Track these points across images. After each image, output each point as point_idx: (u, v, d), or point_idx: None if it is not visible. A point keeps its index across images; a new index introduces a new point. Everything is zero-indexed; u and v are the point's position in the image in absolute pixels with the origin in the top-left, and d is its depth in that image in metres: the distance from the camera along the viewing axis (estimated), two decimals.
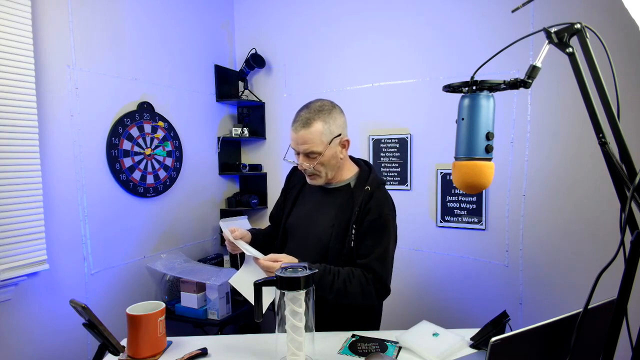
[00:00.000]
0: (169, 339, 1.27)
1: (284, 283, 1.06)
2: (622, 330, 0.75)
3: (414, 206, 2.45)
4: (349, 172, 1.44)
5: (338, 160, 1.38)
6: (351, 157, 1.50)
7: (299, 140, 1.31)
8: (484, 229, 2.25)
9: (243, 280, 1.40)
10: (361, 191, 1.35)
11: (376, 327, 1.50)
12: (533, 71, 0.86)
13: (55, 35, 1.79)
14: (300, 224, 1.44)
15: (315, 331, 1.14)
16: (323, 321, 1.29)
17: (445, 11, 2.29)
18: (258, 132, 2.90)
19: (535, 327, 0.76)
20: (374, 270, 1.29)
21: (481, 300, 2.28)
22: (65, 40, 1.83)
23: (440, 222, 2.37)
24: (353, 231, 1.32)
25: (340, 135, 1.36)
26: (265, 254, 1.29)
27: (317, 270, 1.13)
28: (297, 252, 1.35)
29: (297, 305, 1.06)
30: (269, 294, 1.18)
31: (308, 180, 1.41)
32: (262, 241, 1.55)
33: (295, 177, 1.55)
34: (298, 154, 1.36)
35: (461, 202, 2.30)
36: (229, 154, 2.90)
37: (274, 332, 1.14)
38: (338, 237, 1.34)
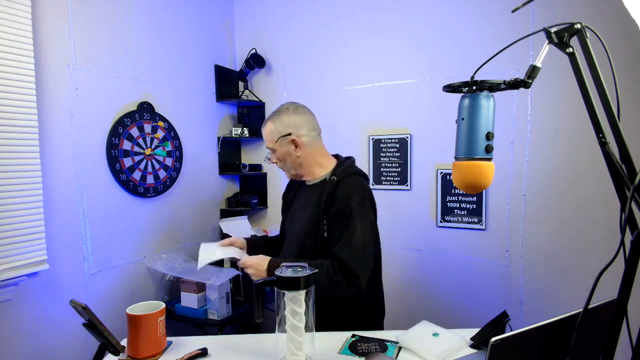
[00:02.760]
0: (169, 339, 1.27)
1: (284, 283, 1.06)
2: (622, 330, 0.75)
3: (414, 206, 2.45)
4: (326, 168, 1.48)
5: (295, 158, 1.46)
6: (337, 156, 1.56)
7: (263, 136, 1.50)
8: (484, 229, 2.25)
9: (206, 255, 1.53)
10: (332, 184, 1.40)
11: (380, 327, 1.50)
12: (533, 71, 0.86)
13: (55, 35, 1.79)
14: (289, 224, 1.56)
15: (316, 331, 1.14)
16: (324, 321, 1.28)
17: (445, 11, 2.29)
18: (258, 132, 2.90)
19: (535, 327, 0.76)
20: (340, 259, 1.29)
21: (481, 300, 2.28)
22: (65, 40, 1.83)
23: (440, 222, 2.37)
24: (325, 222, 1.37)
25: (289, 134, 1.44)
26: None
27: (317, 270, 1.13)
28: (286, 251, 1.50)
29: (297, 305, 1.06)
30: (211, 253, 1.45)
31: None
32: (263, 247, 1.64)
33: (292, 182, 1.63)
34: None
35: (461, 202, 2.30)
36: (229, 154, 2.90)
37: (274, 332, 1.14)
38: (312, 230, 1.40)
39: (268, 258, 1.36)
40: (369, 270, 1.34)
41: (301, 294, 1.06)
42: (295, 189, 1.58)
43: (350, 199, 1.34)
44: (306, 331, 1.09)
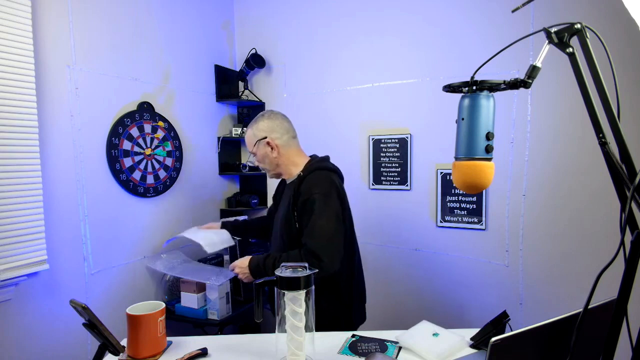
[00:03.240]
0: (169, 339, 1.27)
1: (284, 283, 1.06)
2: (622, 330, 0.75)
3: (414, 206, 2.45)
4: (300, 167, 1.61)
5: (272, 159, 1.62)
6: (314, 156, 1.69)
7: None
8: (484, 229, 2.25)
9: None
10: (296, 178, 1.56)
11: (352, 327, 1.57)
12: (533, 71, 0.86)
13: (55, 35, 1.79)
14: (275, 222, 1.69)
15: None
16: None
17: (445, 11, 2.29)
18: None
19: (535, 327, 0.76)
20: (305, 245, 1.44)
21: (481, 300, 2.28)
22: (65, 40, 1.83)
23: (440, 222, 2.37)
24: (294, 215, 1.50)
25: (265, 137, 1.61)
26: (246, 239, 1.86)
27: (317, 270, 1.13)
28: (272, 248, 1.67)
29: (297, 305, 1.06)
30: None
31: None
32: (244, 229, 1.99)
33: (280, 183, 1.78)
34: None
35: (461, 202, 2.30)
36: (229, 154, 2.90)
37: (274, 332, 1.14)
38: (286, 224, 1.54)
39: (249, 257, 1.55)
40: (336, 254, 1.43)
41: (301, 294, 1.07)
42: (282, 189, 1.73)
43: (312, 190, 1.47)
44: (306, 331, 1.09)
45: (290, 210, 1.52)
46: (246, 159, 3.02)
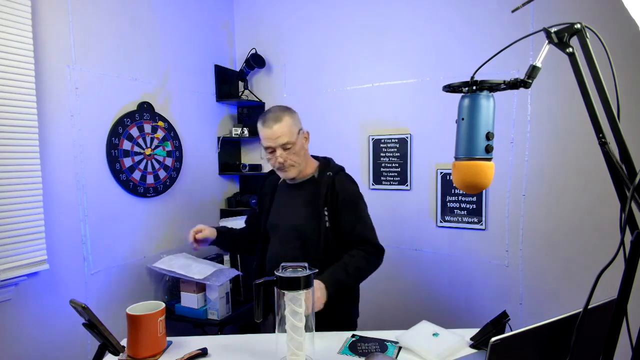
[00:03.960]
0: (169, 339, 1.27)
1: (284, 283, 1.06)
2: (622, 330, 0.75)
3: (414, 206, 2.45)
4: (312, 167, 1.60)
5: (305, 152, 1.56)
6: (312, 155, 1.67)
7: (275, 134, 1.48)
8: (484, 229, 2.25)
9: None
10: (325, 178, 1.54)
11: (353, 326, 1.57)
12: (533, 71, 0.86)
13: (55, 35, 1.79)
14: (278, 221, 1.60)
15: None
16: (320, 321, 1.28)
17: (445, 11, 2.29)
18: (258, 132, 2.90)
19: (535, 327, 0.76)
20: (365, 238, 1.50)
21: (481, 300, 2.28)
22: (65, 40, 1.83)
23: (440, 222, 2.37)
24: (326, 213, 1.48)
25: (301, 129, 1.55)
26: (236, 251, 1.78)
27: (316, 270, 1.13)
28: (279, 245, 1.56)
29: (297, 305, 1.06)
30: None
31: (284, 174, 1.55)
32: (230, 239, 1.77)
33: (266, 184, 1.70)
34: (273, 151, 1.50)
35: (461, 202, 2.30)
36: (229, 154, 2.90)
37: (274, 332, 1.14)
38: (311, 221, 1.50)
39: (321, 285, 1.32)
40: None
41: (301, 294, 1.06)
42: (272, 191, 1.66)
43: (348, 188, 1.55)
44: (306, 331, 1.09)
45: (320, 209, 1.49)
46: (246, 159, 3.01)
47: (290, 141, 1.48)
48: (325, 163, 1.61)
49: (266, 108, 2.88)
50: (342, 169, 1.63)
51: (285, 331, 1.09)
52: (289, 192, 1.61)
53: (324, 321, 1.33)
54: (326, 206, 1.49)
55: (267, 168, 2.91)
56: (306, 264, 1.12)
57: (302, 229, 1.52)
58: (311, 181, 1.57)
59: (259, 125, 1.53)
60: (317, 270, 1.14)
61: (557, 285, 2.06)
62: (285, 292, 1.06)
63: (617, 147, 0.78)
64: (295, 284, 1.06)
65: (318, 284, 1.30)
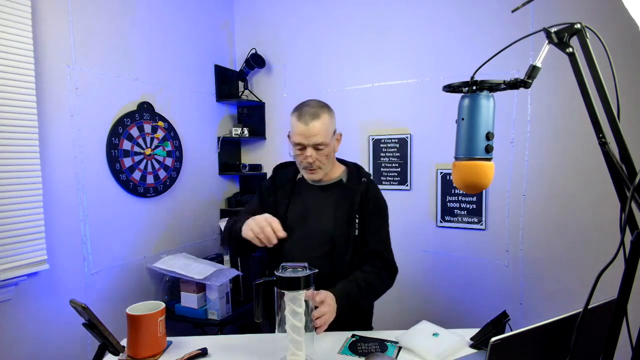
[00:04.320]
0: (169, 339, 1.27)
1: (284, 283, 1.06)
2: (622, 330, 0.75)
3: (414, 206, 2.45)
4: (339, 169, 1.52)
5: (334, 154, 1.48)
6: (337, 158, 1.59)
7: (310, 132, 1.34)
8: (484, 229, 2.25)
9: None
10: (357, 184, 1.46)
11: (369, 327, 1.53)
12: (533, 71, 0.86)
13: (55, 35, 1.79)
14: (300, 221, 1.46)
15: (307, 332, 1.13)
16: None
17: (445, 11, 2.29)
18: (258, 132, 2.90)
19: (535, 327, 0.76)
20: (381, 253, 1.43)
21: (481, 300, 2.28)
22: (65, 40, 1.83)
23: (440, 222, 2.37)
24: (357, 220, 1.41)
25: (336, 129, 1.45)
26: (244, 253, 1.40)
27: (317, 270, 1.12)
28: (302, 248, 1.42)
29: (297, 305, 1.06)
30: None
31: (308, 175, 1.43)
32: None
33: (279, 177, 1.54)
34: (303, 148, 1.37)
35: (461, 202, 2.30)
36: (229, 154, 2.90)
37: (274, 332, 1.13)
38: (342, 227, 1.41)
39: (330, 301, 1.23)
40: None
41: (301, 294, 1.06)
42: (290, 185, 1.50)
43: (381, 199, 1.49)
44: (306, 331, 1.09)
45: (352, 216, 1.41)
46: (246, 159, 3.01)
47: (324, 142, 1.36)
48: (357, 169, 1.52)
49: (266, 108, 2.89)
50: (371, 175, 1.57)
51: (285, 331, 1.09)
52: (314, 193, 1.48)
53: (340, 322, 1.33)
54: (358, 214, 1.42)
55: (267, 168, 2.91)
56: (306, 264, 1.12)
57: (332, 234, 1.42)
58: (339, 185, 1.48)
59: (294, 118, 1.38)
60: (317, 270, 1.12)
61: (557, 285, 2.06)
62: (286, 292, 1.06)
63: (617, 147, 0.78)
64: (295, 284, 1.06)
65: (331, 299, 1.22)
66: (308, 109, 1.36)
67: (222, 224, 2.63)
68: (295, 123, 1.37)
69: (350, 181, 1.48)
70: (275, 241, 1.22)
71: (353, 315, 1.40)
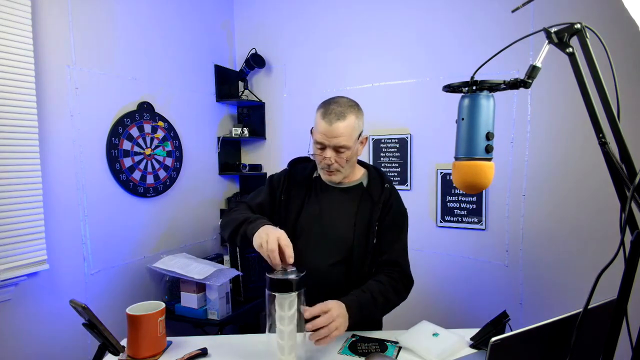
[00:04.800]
0: (169, 339, 1.27)
1: (273, 285, 1.05)
2: (622, 330, 0.75)
3: (414, 206, 2.44)
4: (359, 172, 1.43)
5: (356, 158, 1.37)
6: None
7: (332, 132, 1.24)
8: (484, 229, 2.25)
9: None
10: (379, 189, 1.37)
11: (379, 327, 1.49)
12: (533, 71, 0.86)
13: (55, 35, 1.79)
14: (315, 224, 1.37)
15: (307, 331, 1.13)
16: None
17: (445, 11, 2.29)
18: (258, 132, 2.90)
19: (535, 327, 0.76)
20: (399, 264, 1.36)
21: (481, 300, 2.28)
22: (65, 40, 1.83)
23: (440, 222, 2.37)
24: (376, 228, 1.34)
25: (362, 132, 1.34)
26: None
27: (305, 272, 1.09)
28: (313, 252, 1.33)
29: (283, 308, 1.06)
30: None
31: (326, 176, 1.35)
32: None
33: (297, 174, 1.44)
34: (323, 148, 1.28)
35: (461, 202, 2.30)
36: (229, 154, 2.90)
37: (274, 332, 1.13)
38: (361, 235, 1.34)
39: (341, 308, 1.15)
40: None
41: (288, 297, 1.06)
42: (306, 184, 1.41)
43: (401, 207, 1.42)
44: (298, 331, 1.09)
45: (372, 222, 1.34)
46: (246, 159, 3.01)
47: (346, 145, 1.26)
48: (378, 173, 1.44)
49: (266, 108, 2.89)
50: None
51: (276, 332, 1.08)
52: (333, 194, 1.39)
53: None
54: (378, 221, 1.34)
55: (266, 168, 2.91)
56: (294, 268, 1.10)
57: (349, 241, 1.33)
58: (359, 188, 1.39)
59: (318, 115, 1.28)
60: (305, 272, 1.08)
61: (557, 285, 2.06)
62: (276, 294, 1.06)
63: (617, 147, 0.78)
64: (283, 286, 1.05)
65: (342, 309, 1.14)
66: (335, 107, 1.26)
67: None
68: (319, 120, 1.27)
69: (372, 186, 1.38)
70: (279, 268, 1.10)
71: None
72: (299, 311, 1.07)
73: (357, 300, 1.20)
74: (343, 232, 1.34)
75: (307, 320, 1.08)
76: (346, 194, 1.39)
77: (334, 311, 1.11)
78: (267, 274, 1.06)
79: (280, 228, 1.21)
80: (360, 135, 1.32)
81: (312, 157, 1.38)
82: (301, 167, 1.45)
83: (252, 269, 2.47)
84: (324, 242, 1.35)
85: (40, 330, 1.75)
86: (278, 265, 1.09)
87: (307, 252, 1.31)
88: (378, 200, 1.35)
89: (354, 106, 1.30)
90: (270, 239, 1.09)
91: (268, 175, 2.91)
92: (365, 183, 1.41)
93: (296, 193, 1.41)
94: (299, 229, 1.38)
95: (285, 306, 1.05)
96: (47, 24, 1.75)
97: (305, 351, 1.15)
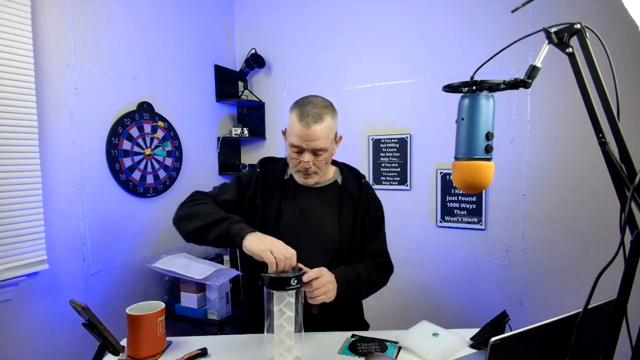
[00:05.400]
0: (168, 339, 1.27)
1: (272, 282, 1.05)
2: (622, 330, 0.75)
3: (414, 206, 2.45)
4: (331, 170, 1.44)
5: (331, 158, 1.36)
6: None
7: (310, 136, 1.22)
8: (484, 229, 2.25)
9: None
10: (355, 185, 1.41)
11: (366, 327, 1.50)
12: (533, 71, 0.86)
13: (55, 35, 1.79)
14: (300, 225, 1.35)
15: (307, 332, 1.13)
16: (315, 322, 1.23)
17: (445, 11, 2.29)
18: (258, 132, 2.90)
19: (535, 327, 0.76)
20: (382, 252, 1.42)
21: (481, 300, 2.28)
22: (65, 40, 1.83)
23: (440, 222, 2.37)
24: (359, 222, 1.38)
25: (337, 132, 1.34)
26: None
27: (303, 272, 1.11)
28: (302, 253, 1.26)
29: (285, 306, 1.06)
30: None
31: (302, 179, 1.33)
32: None
33: (268, 176, 1.40)
34: (300, 151, 1.26)
35: (461, 202, 2.30)
36: (228, 154, 2.90)
37: (273, 332, 1.13)
38: (347, 231, 1.36)
39: (328, 273, 1.18)
40: None
41: (291, 294, 1.06)
42: (280, 184, 1.39)
43: (379, 201, 1.47)
44: (297, 331, 1.09)
45: (356, 218, 1.36)
46: (246, 159, 3.01)
47: (324, 147, 1.25)
48: (349, 169, 1.46)
49: (266, 108, 2.89)
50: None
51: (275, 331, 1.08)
52: (310, 195, 1.37)
53: (335, 321, 1.33)
54: (361, 217, 1.37)
55: None
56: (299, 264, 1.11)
57: (335, 241, 1.35)
58: (335, 187, 1.40)
59: (294, 117, 1.25)
60: (303, 272, 1.10)
61: (557, 285, 2.06)
62: (274, 292, 1.06)
63: (617, 147, 0.78)
64: (282, 283, 1.05)
65: (332, 277, 1.18)
66: (311, 108, 1.23)
67: None
68: (295, 123, 1.24)
69: (348, 183, 1.40)
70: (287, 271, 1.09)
71: (347, 313, 1.39)
72: (296, 309, 1.08)
73: (343, 275, 1.24)
74: (329, 230, 1.35)
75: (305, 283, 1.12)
76: (324, 193, 1.39)
77: (326, 277, 1.17)
78: (263, 274, 1.07)
79: (259, 231, 1.19)
80: (335, 134, 1.32)
81: (288, 161, 1.35)
82: (270, 168, 1.42)
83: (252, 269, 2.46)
84: (313, 242, 1.33)
85: (40, 330, 1.75)
86: (288, 269, 1.07)
87: (297, 251, 1.27)
88: (359, 196, 1.39)
89: (329, 106, 1.29)
90: (284, 247, 1.09)
91: None
92: (339, 180, 1.42)
93: (270, 195, 1.37)
94: (282, 231, 1.31)
95: (285, 303, 1.06)
96: (47, 24, 1.75)
97: (303, 349, 1.15)
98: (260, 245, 1.09)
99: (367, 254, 1.40)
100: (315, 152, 1.26)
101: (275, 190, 1.38)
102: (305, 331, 1.13)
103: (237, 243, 1.12)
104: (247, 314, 2.26)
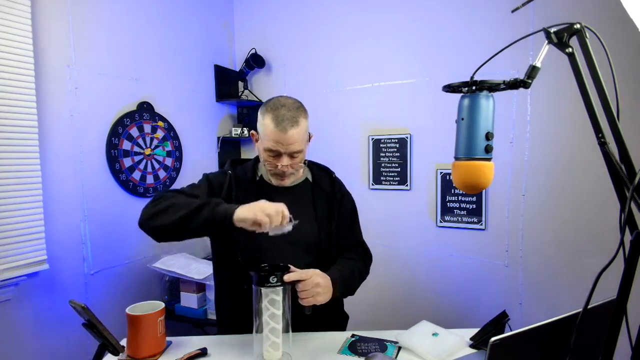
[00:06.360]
0: (168, 339, 1.27)
1: (262, 280, 1.06)
2: (622, 330, 0.75)
3: (414, 206, 2.45)
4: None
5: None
6: None
7: (288, 140, 1.22)
8: (483, 229, 2.25)
9: None
10: (327, 180, 1.45)
11: (345, 318, 1.52)
12: (533, 71, 0.86)
13: (55, 35, 1.79)
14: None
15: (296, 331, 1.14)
16: (298, 318, 1.20)
17: (445, 11, 2.29)
18: (259, 124, 2.90)
19: (535, 327, 0.76)
20: (361, 244, 1.47)
21: (481, 300, 2.28)
22: (65, 40, 1.83)
23: (440, 222, 2.37)
24: (336, 216, 1.40)
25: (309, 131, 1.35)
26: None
27: (290, 267, 1.13)
28: (283, 254, 1.28)
29: (272, 303, 1.06)
30: None
31: (278, 181, 1.33)
32: None
33: (240, 178, 1.38)
34: (277, 155, 1.26)
35: (461, 202, 2.30)
36: (228, 154, 2.90)
37: (260, 332, 1.13)
38: (325, 227, 1.38)
39: (324, 275, 1.18)
40: None
41: (277, 292, 1.07)
42: (253, 187, 1.37)
43: (347, 191, 1.50)
44: (285, 330, 1.10)
45: (333, 213, 1.38)
46: (247, 157, 3.00)
47: (300, 149, 1.26)
48: (317, 165, 1.48)
49: None
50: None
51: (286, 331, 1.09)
52: (283, 194, 1.32)
53: (322, 320, 1.33)
54: (336, 212, 1.39)
55: None
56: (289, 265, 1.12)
57: (315, 239, 1.35)
58: (307, 184, 1.42)
59: (269, 120, 1.23)
60: (290, 267, 1.13)
61: (557, 285, 2.06)
62: (262, 289, 1.06)
63: (616, 147, 0.78)
64: (264, 281, 1.05)
65: (326, 280, 1.17)
66: (286, 112, 1.23)
67: None
68: (270, 127, 1.22)
69: (319, 179, 1.43)
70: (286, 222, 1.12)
71: (327, 306, 1.30)
72: (284, 308, 1.08)
73: (339, 274, 1.25)
74: (308, 228, 1.34)
75: (289, 283, 1.11)
76: (297, 192, 1.39)
77: (314, 279, 1.14)
78: (250, 272, 1.07)
79: (236, 235, 1.21)
80: (308, 134, 1.34)
81: (263, 164, 1.33)
82: (241, 169, 1.40)
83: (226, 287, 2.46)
84: (295, 243, 1.30)
85: (40, 330, 1.75)
86: (285, 219, 1.11)
87: (279, 255, 1.27)
88: (332, 191, 1.42)
89: (301, 107, 1.29)
90: (269, 204, 1.11)
91: None
92: (310, 177, 1.44)
93: (246, 198, 1.26)
94: (262, 234, 1.22)
95: (269, 299, 1.06)
96: (47, 24, 1.75)
97: (301, 349, 1.15)
98: (249, 212, 1.09)
99: (348, 247, 1.43)
100: (292, 155, 1.27)
101: (249, 192, 1.34)
102: (292, 330, 1.13)
103: (227, 223, 1.10)
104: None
